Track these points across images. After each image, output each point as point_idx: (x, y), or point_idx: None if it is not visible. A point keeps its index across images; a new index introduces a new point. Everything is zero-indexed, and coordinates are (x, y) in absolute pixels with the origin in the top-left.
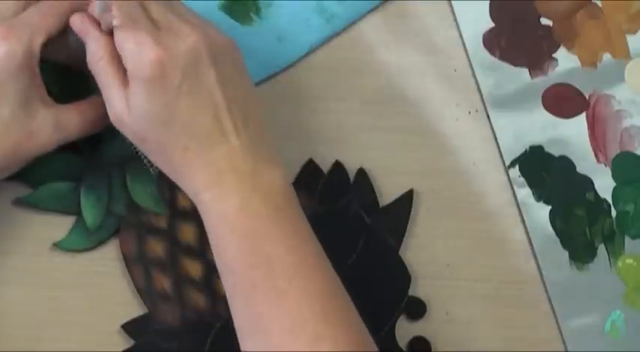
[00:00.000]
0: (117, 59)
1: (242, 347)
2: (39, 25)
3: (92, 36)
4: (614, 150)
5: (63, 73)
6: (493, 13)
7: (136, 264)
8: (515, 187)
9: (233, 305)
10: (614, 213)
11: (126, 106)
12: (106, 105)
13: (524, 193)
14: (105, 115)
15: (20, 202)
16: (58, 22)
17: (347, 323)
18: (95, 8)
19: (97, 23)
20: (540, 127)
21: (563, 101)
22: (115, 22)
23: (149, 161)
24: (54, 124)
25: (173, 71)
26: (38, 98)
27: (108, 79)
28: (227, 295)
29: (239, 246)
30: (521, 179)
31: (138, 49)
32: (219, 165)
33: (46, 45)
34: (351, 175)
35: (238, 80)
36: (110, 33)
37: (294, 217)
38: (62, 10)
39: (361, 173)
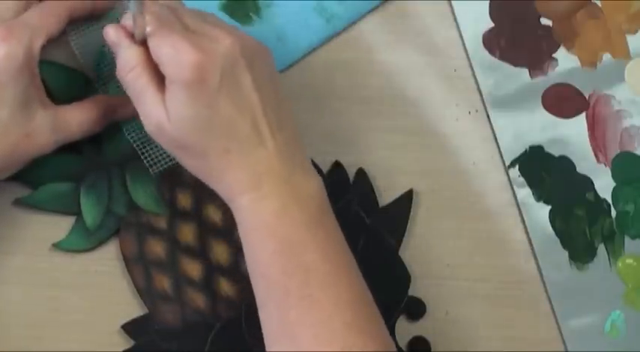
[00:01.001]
0: (150, 67)
1: (268, 349)
2: (39, 26)
3: (124, 45)
4: (614, 150)
5: (63, 72)
6: (493, 13)
7: (136, 264)
8: (515, 187)
9: (263, 310)
10: (614, 213)
11: (165, 113)
12: (141, 115)
13: (524, 193)
14: (104, 115)
15: (20, 202)
16: (58, 22)
17: (376, 335)
18: (128, 15)
19: (130, 34)
20: (540, 127)
21: (563, 101)
22: (149, 29)
23: (150, 161)
24: (52, 126)
25: (212, 73)
26: (37, 99)
27: (143, 87)
28: (257, 299)
29: (275, 252)
30: (521, 179)
31: (176, 52)
32: (259, 168)
33: (46, 46)
34: (351, 175)
35: (272, 84)
36: (143, 43)
37: (331, 226)
38: (62, 10)
39: (361, 173)
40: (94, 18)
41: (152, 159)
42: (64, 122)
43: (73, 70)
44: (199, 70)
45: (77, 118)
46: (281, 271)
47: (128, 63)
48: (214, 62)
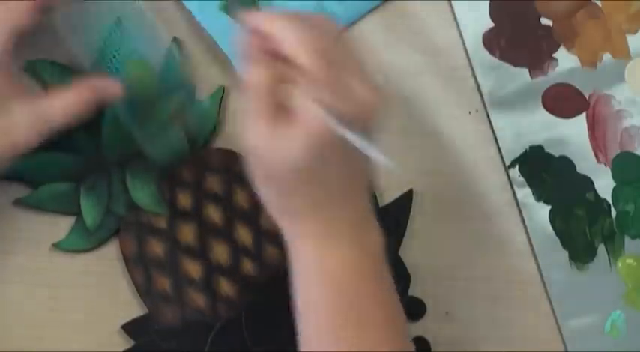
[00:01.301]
0: (276, 91)
1: None
2: (4, 22)
3: (261, 60)
4: (614, 150)
5: (64, 72)
6: (493, 13)
7: (136, 264)
8: (515, 187)
9: (305, 346)
10: (614, 213)
11: (270, 141)
12: (246, 131)
13: (524, 193)
14: (91, 97)
15: (20, 202)
16: (26, 18)
17: None
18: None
19: (269, 48)
20: (540, 127)
21: (563, 101)
22: (307, 64)
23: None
24: (33, 119)
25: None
26: (14, 95)
27: (261, 108)
28: (301, 330)
29: (333, 301)
30: (521, 179)
31: (347, 92)
32: (337, 222)
33: (41, 45)
34: None
35: None
36: (278, 57)
37: (389, 278)
38: (30, 6)
39: None
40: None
41: (145, 136)
42: (47, 112)
43: (72, 70)
44: (372, 114)
45: (61, 105)
46: (335, 319)
47: (259, 79)
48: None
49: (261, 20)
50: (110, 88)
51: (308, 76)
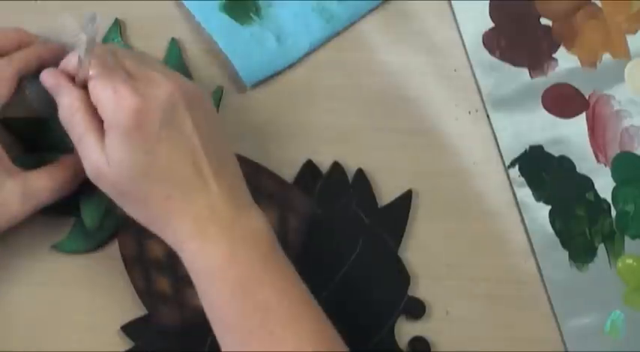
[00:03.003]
0: (92, 111)
1: None
2: None
3: (65, 89)
4: (614, 150)
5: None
6: (493, 13)
7: (136, 266)
8: (515, 187)
9: (224, 348)
10: (614, 213)
11: (104, 158)
12: (82, 159)
13: (524, 193)
14: (76, 176)
15: None
16: (5, 87)
17: None
18: (70, 57)
19: (70, 78)
20: (540, 127)
21: (563, 101)
22: (92, 72)
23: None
24: (22, 194)
25: (152, 119)
26: (2, 170)
27: (83, 132)
28: (218, 339)
29: (231, 296)
30: (521, 179)
31: (115, 97)
32: (203, 213)
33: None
34: (350, 175)
35: (213, 127)
36: (83, 86)
37: (282, 262)
38: (8, 74)
39: (360, 173)
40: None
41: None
42: (34, 190)
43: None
44: (138, 115)
45: (47, 186)
46: (239, 313)
47: (71, 106)
48: (154, 107)
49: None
50: None
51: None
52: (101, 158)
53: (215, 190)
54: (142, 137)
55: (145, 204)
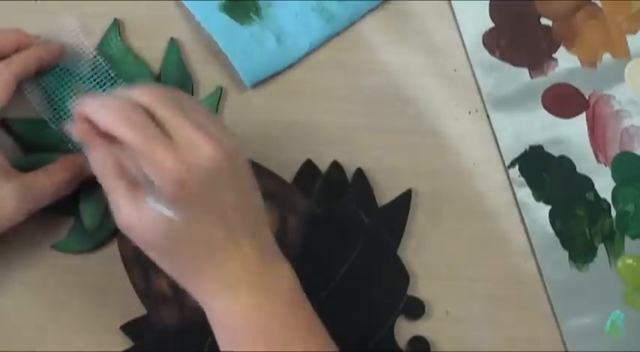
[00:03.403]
0: (124, 167)
1: None
2: None
3: (96, 145)
4: (614, 150)
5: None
6: (493, 13)
7: (135, 265)
8: (515, 187)
9: None
10: (614, 213)
11: (135, 214)
12: (113, 210)
13: (524, 193)
14: (76, 176)
15: None
16: (4, 90)
17: None
18: (100, 105)
19: (99, 131)
20: (540, 127)
21: (563, 101)
22: (126, 138)
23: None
24: (20, 195)
25: (191, 188)
26: (1, 172)
27: (115, 188)
28: None
29: (253, 344)
30: (521, 179)
31: (156, 167)
32: (235, 275)
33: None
34: (350, 175)
35: (247, 183)
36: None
37: (305, 307)
38: (8, 77)
39: (359, 173)
40: (43, 69)
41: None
42: (34, 190)
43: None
44: (180, 185)
45: (48, 186)
46: None
47: (103, 164)
48: (194, 178)
49: (83, 107)
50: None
51: (127, 145)
52: (132, 213)
53: (248, 252)
54: (179, 205)
55: (174, 262)
